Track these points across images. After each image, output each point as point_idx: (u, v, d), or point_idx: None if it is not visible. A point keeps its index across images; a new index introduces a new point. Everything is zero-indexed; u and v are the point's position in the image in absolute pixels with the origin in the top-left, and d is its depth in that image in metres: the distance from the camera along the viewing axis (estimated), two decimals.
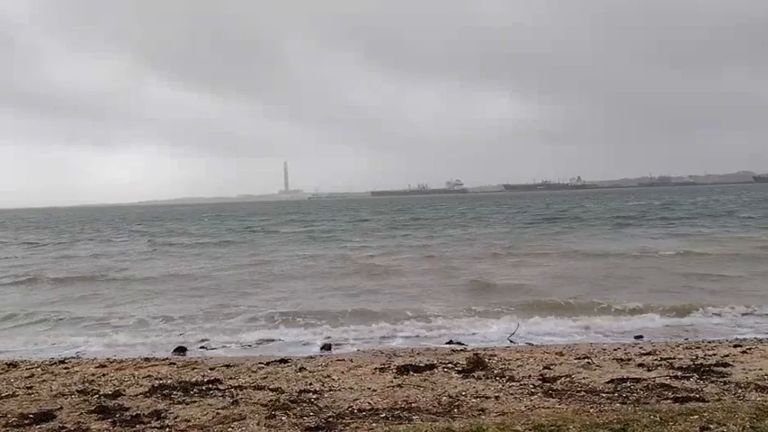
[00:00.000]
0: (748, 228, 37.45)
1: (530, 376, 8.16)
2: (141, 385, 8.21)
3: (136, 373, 9.13)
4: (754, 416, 5.74)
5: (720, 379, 7.68)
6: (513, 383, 7.78)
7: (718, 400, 6.67)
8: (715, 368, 8.24)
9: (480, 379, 8.06)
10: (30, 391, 8.01)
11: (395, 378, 8.23)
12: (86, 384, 8.35)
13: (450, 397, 7.16)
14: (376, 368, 8.90)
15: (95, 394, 7.73)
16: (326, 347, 11.60)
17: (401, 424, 6.17)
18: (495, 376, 8.19)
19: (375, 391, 7.57)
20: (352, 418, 6.41)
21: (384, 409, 6.74)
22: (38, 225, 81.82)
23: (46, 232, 61.83)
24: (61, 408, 7.08)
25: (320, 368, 9.10)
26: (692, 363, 8.70)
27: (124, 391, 7.91)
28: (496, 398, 7.08)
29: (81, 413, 6.84)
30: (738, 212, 53.82)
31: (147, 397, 7.53)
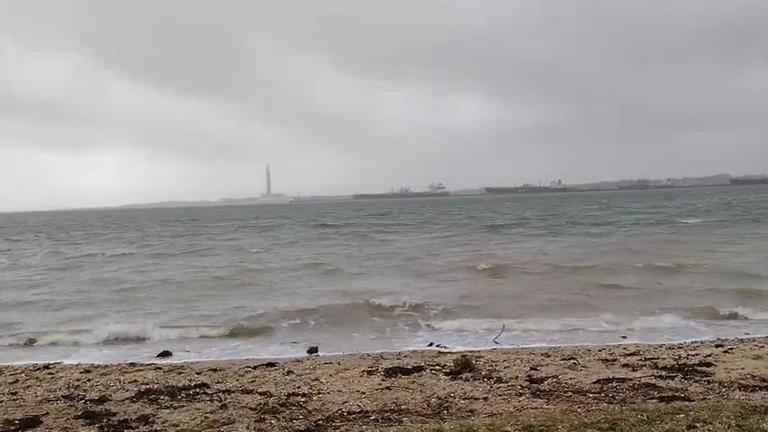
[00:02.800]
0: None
1: (517, 377, 8.22)
2: (127, 390, 8.16)
3: (121, 378, 9.06)
4: (740, 414, 5.83)
5: (704, 378, 7.80)
6: (501, 384, 7.84)
7: (703, 399, 6.77)
8: (698, 368, 8.37)
9: (468, 380, 8.11)
10: (14, 397, 7.93)
11: (383, 380, 8.25)
12: (72, 390, 8.28)
13: (439, 398, 7.19)
14: (364, 371, 8.91)
15: (81, 399, 7.66)
16: (313, 350, 11.58)
17: (391, 426, 6.19)
18: (483, 378, 8.24)
19: (364, 393, 7.58)
20: (341, 421, 6.42)
21: (373, 411, 6.76)
22: None
23: None
24: (47, 413, 7.01)
25: (308, 371, 9.09)
26: (675, 363, 8.82)
27: (110, 396, 7.85)
28: (485, 399, 7.13)
29: (67, 419, 6.78)
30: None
31: (133, 402, 7.48)
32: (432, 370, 8.78)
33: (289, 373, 9.03)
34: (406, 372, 8.67)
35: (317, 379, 8.48)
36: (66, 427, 6.49)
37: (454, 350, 11.05)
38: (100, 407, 7.26)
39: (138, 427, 6.42)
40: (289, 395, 7.59)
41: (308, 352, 11.54)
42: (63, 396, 7.89)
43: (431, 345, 11.94)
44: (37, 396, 7.96)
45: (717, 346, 10.30)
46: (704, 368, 8.33)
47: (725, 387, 7.31)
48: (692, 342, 11.16)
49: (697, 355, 9.46)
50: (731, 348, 9.89)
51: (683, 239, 31.79)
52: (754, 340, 10.93)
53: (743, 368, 8.25)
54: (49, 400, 7.69)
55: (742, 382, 7.53)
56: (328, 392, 7.70)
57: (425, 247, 33.27)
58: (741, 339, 11.27)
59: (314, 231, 52.18)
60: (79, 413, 6.95)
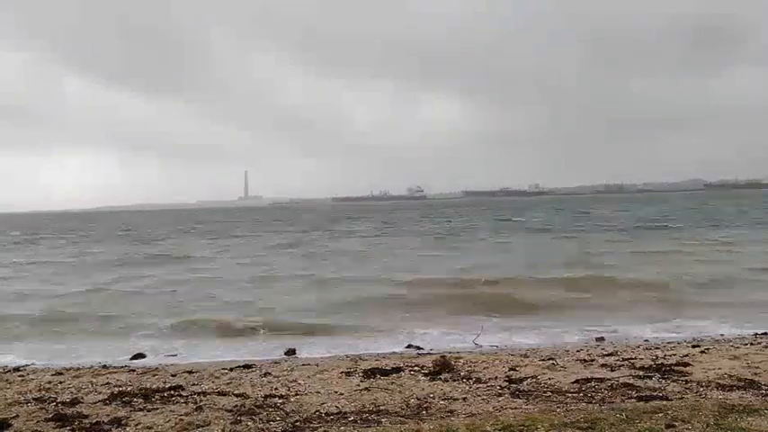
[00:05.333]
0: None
1: (496, 378, 8.19)
2: (100, 392, 7.98)
3: (94, 380, 8.87)
4: (718, 413, 5.85)
5: (681, 378, 7.83)
6: (480, 385, 7.80)
7: (681, 398, 6.79)
8: (676, 368, 8.40)
9: (447, 381, 8.06)
10: None
11: (362, 381, 8.16)
12: (43, 392, 8.09)
13: (419, 399, 7.13)
14: (342, 372, 8.82)
15: (52, 402, 7.48)
16: (291, 352, 11.46)
17: (370, 427, 6.12)
18: (462, 378, 8.20)
19: (342, 394, 7.49)
20: (319, 423, 6.34)
21: (352, 412, 6.68)
22: None
23: None
24: (17, 416, 6.84)
25: (285, 373, 8.97)
26: (652, 363, 8.85)
27: (82, 398, 7.67)
28: (464, 399, 7.08)
29: (38, 421, 6.62)
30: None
31: (106, 404, 7.32)
32: (411, 371, 8.72)
33: (266, 374, 8.91)
34: (384, 373, 8.59)
35: (294, 380, 8.37)
36: (37, 430, 6.34)
37: (433, 351, 11.00)
38: (71, 409, 7.09)
39: (110, 430, 6.29)
40: (266, 397, 7.47)
41: (286, 354, 11.42)
42: (34, 399, 7.70)
43: (409, 346, 11.89)
44: (7, 399, 7.75)
45: (694, 346, 10.36)
46: (682, 368, 8.36)
47: (702, 386, 7.34)
48: (669, 342, 11.23)
49: (674, 355, 9.50)
50: (708, 349, 9.95)
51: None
52: (731, 341, 11.03)
53: (720, 368, 8.30)
54: (20, 403, 7.50)
55: (719, 381, 7.57)
56: (306, 394, 7.59)
57: None
58: (717, 340, 11.37)
59: None
60: (50, 416, 6.79)
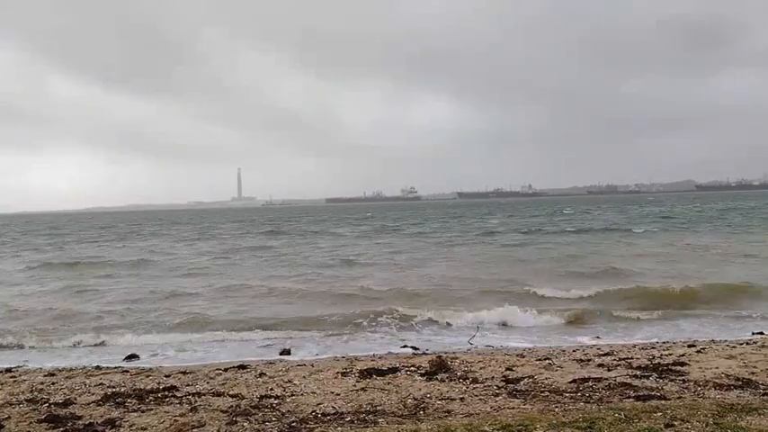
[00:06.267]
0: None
1: (493, 378, 8.15)
2: (93, 393, 7.90)
3: (87, 381, 8.78)
4: (717, 412, 5.82)
5: (679, 378, 7.81)
6: (477, 385, 7.75)
7: (679, 397, 6.76)
8: (673, 367, 8.38)
9: (444, 381, 8.01)
10: None
11: (358, 382, 8.10)
12: (35, 393, 7.99)
13: (416, 399, 7.08)
14: (338, 372, 8.75)
15: (45, 403, 7.40)
16: (285, 352, 11.40)
17: (367, 427, 6.06)
18: (459, 378, 8.15)
19: (338, 395, 7.43)
20: (316, 423, 6.27)
21: (349, 412, 6.62)
22: None
23: None
24: (9, 417, 6.75)
25: (281, 373, 8.90)
26: (649, 362, 8.83)
27: (75, 399, 7.59)
28: (461, 399, 7.03)
29: (30, 422, 6.54)
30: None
31: (99, 405, 7.24)
32: (407, 371, 8.67)
33: (261, 375, 8.84)
34: (381, 373, 8.54)
35: (290, 381, 8.30)
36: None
37: (429, 351, 10.95)
38: (64, 410, 7.00)
39: (104, 431, 6.21)
40: (261, 397, 7.41)
41: (281, 354, 11.36)
42: (26, 400, 7.61)
43: (405, 347, 11.85)
44: None
45: (689, 346, 10.35)
46: (679, 368, 8.35)
47: (700, 386, 7.31)
48: (665, 342, 11.23)
49: (670, 354, 9.49)
50: (703, 348, 9.94)
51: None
52: (726, 341, 11.03)
53: (717, 368, 8.28)
54: (12, 404, 7.41)
55: (717, 381, 7.55)
56: (302, 394, 7.53)
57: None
58: (712, 340, 11.37)
59: None
60: (43, 417, 6.71)
